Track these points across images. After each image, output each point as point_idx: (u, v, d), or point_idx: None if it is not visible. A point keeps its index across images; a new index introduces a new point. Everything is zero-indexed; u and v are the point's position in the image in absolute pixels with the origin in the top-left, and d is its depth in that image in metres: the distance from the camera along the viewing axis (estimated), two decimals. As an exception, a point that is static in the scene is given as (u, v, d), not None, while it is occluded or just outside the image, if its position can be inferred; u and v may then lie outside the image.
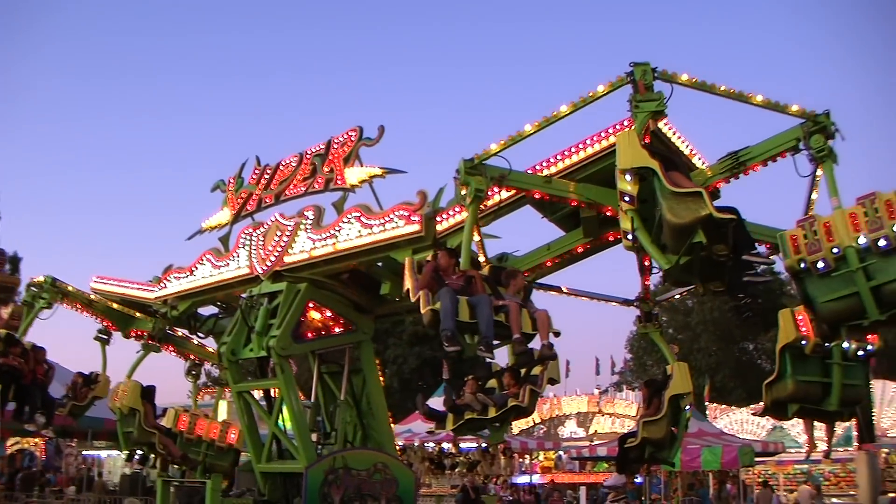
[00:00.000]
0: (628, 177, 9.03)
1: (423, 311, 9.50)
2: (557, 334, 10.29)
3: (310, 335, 14.85)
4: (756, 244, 9.41)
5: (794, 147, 10.06)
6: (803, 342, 10.17)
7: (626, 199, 9.04)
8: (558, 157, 11.41)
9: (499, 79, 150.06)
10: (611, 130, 10.99)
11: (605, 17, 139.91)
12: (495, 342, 9.82)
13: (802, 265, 8.53)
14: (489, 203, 11.52)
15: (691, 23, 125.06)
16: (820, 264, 8.48)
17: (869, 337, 10.00)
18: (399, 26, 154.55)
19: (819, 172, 9.86)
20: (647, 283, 12.95)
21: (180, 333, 18.35)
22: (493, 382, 11.35)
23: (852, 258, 8.26)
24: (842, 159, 9.69)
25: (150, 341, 17.71)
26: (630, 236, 9.27)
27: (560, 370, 11.73)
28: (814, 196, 10.18)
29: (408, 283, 10.06)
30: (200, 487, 15.04)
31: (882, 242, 8.14)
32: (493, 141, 10.68)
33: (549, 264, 12.80)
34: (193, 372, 19.08)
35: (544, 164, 11.49)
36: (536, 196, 11.40)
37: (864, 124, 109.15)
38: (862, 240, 8.21)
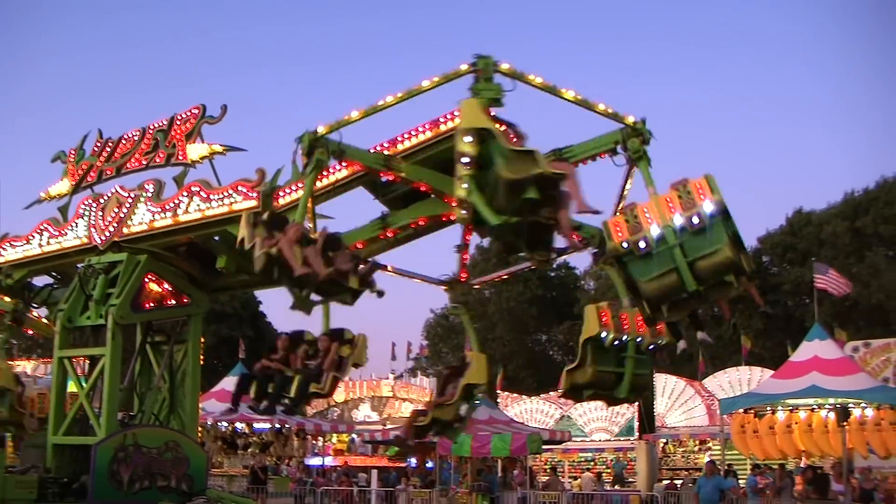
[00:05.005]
0: (468, 138, 10.01)
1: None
2: (381, 294, 11.86)
3: (147, 306, 15.83)
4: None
5: (612, 150, 11.65)
6: (603, 335, 12.16)
7: (465, 160, 10.01)
8: (397, 139, 12.47)
9: (344, 66, 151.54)
10: (444, 118, 12.04)
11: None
12: None
13: (625, 246, 9.96)
14: (325, 181, 12.83)
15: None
16: (642, 244, 9.91)
17: (660, 328, 11.98)
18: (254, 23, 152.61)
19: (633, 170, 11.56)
20: (464, 260, 14.40)
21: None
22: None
23: (670, 236, 9.80)
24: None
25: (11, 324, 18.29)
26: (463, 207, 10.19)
27: (366, 354, 13.20)
28: (627, 189, 11.89)
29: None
30: None
31: (695, 220, 9.70)
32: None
33: (385, 237, 13.60)
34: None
35: (385, 145, 12.54)
36: (380, 175, 12.49)
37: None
38: (678, 219, 9.72)
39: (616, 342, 12.32)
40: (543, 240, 10.80)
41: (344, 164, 12.57)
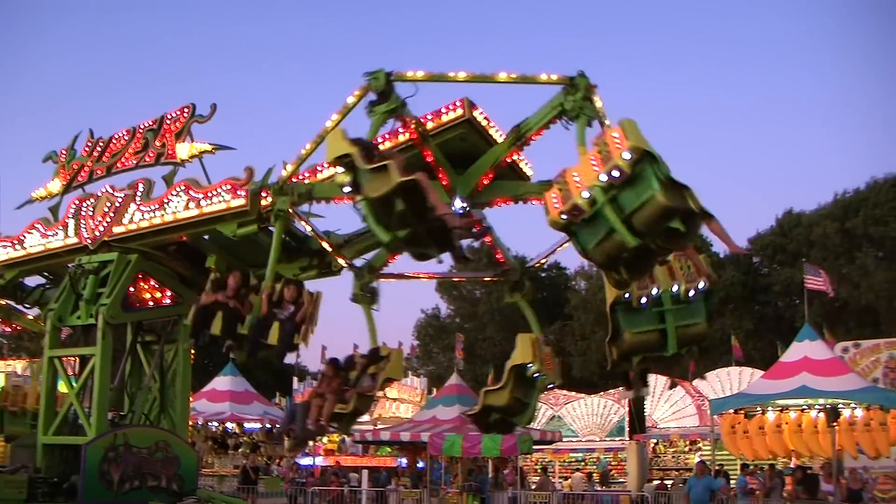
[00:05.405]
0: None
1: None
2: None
3: (137, 305, 15.86)
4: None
5: (561, 112, 11.15)
6: (529, 365, 13.35)
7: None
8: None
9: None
10: (447, 108, 12.11)
11: None
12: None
13: (563, 218, 9.60)
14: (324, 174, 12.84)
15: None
16: (575, 210, 9.56)
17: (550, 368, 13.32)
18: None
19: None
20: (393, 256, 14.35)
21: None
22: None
23: (599, 195, 9.37)
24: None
25: None
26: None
27: (402, 367, 14.06)
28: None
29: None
30: None
31: (615, 173, 9.24)
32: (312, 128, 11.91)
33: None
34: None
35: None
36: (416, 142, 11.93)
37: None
38: (602, 177, 9.24)
39: (536, 374, 13.57)
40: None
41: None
